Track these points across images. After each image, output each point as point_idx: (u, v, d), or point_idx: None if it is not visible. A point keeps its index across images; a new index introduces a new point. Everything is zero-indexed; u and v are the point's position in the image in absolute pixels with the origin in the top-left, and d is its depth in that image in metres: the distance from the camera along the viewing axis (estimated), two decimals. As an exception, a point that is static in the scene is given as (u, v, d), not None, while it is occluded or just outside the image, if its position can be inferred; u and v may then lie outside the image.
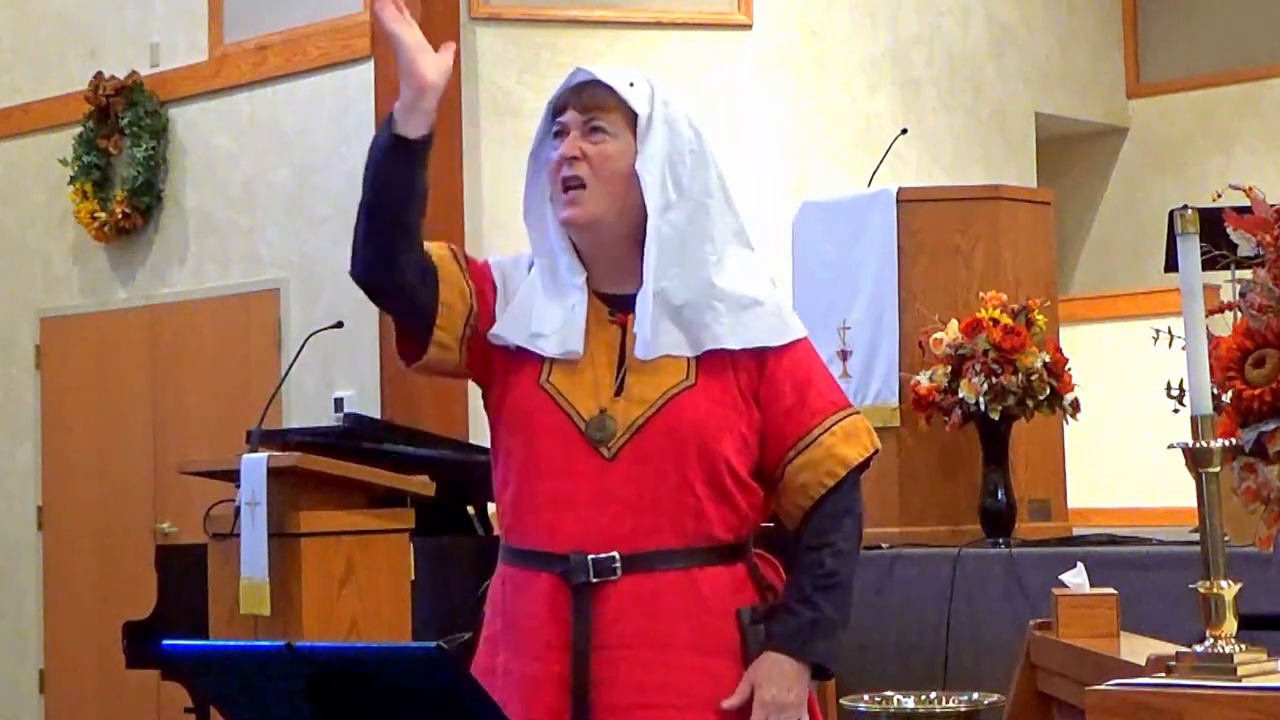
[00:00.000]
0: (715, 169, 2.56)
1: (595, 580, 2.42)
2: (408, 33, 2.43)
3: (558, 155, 2.51)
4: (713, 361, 2.48)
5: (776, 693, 2.44)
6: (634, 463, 2.44)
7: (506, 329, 2.53)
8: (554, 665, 2.43)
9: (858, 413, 2.58)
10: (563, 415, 2.47)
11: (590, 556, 2.42)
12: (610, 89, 2.51)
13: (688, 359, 2.48)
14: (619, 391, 2.47)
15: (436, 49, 2.49)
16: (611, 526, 2.43)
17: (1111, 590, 3.25)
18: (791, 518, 2.56)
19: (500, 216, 7.23)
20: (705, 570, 2.46)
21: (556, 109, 2.55)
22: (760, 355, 2.51)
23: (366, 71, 7.49)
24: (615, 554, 2.42)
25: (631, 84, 2.52)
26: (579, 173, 2.49)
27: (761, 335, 2.50)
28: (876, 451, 2.58)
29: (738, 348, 2.49)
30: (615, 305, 2.53)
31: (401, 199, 2.47)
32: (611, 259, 2.53)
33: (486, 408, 2.60)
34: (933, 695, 4.93)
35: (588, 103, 2.52)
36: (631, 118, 2.50)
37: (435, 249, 2.56)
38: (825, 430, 2.51)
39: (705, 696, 2.43)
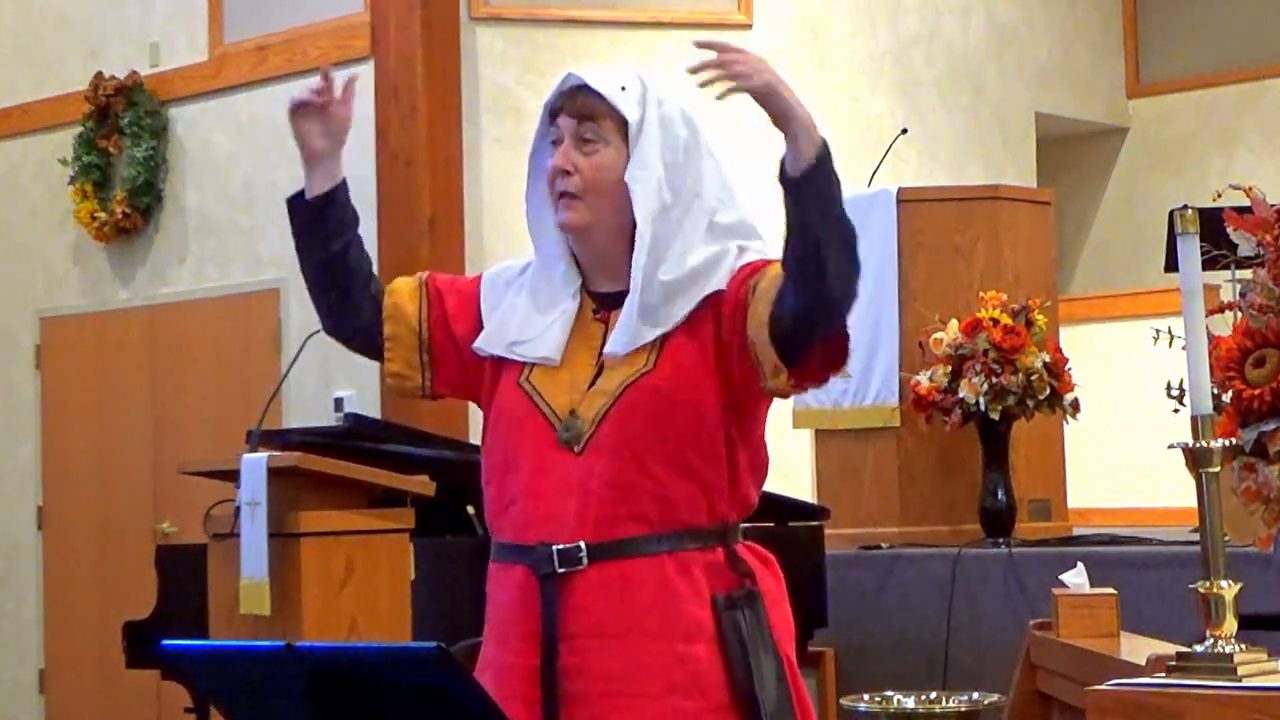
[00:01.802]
0: (712, 163, 2.55)
1: (562, 570, 2.42)
2: (306, 92, 2.70)
3: (552, 166, 2.52)
4: (673, 341, 2.47)
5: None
6: (598, 454, 2.44)
7: (487, 340, 2.58)
8: (526, 656, 2.44)
9: None
10: (538, 413, 2.50)
11: (555, 547, 2.43)
12: (601, 95, 2.50)
13: (649, 346, 2.47)
14: (590, 386, 2.49)
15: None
16: (578, 516, 2.43)
17: (1111, 590, 3.25)
18: (775, 365, 2.42)
19: (500, 216, 7.23)
20: (677, 556, 2.44)
21: (552, 113, 2.55)
22: (719, 295, 2.48)
23: (366, 71, 7.48)
24: (581, 543, 2.42)
25: (623, 87, 2.51)
26: (571, 187, 2.50)
27: (716, 283, 2.47)
28: None
29: (692, 307, 2.46)
30: (601, 303, 2.55)
31: (319, 255, 2.65)
32: (606, 260, 2.54)
33: (482, 410, 2.64)
34: (933, 695, 4.93)
35: (580, 110, 2.51)
36: (624, 123, 2.50)
37: (397, 283, 2.69)
38: (760, 276, 2.44)
39: (675, 683, 2.42)
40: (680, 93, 2.57)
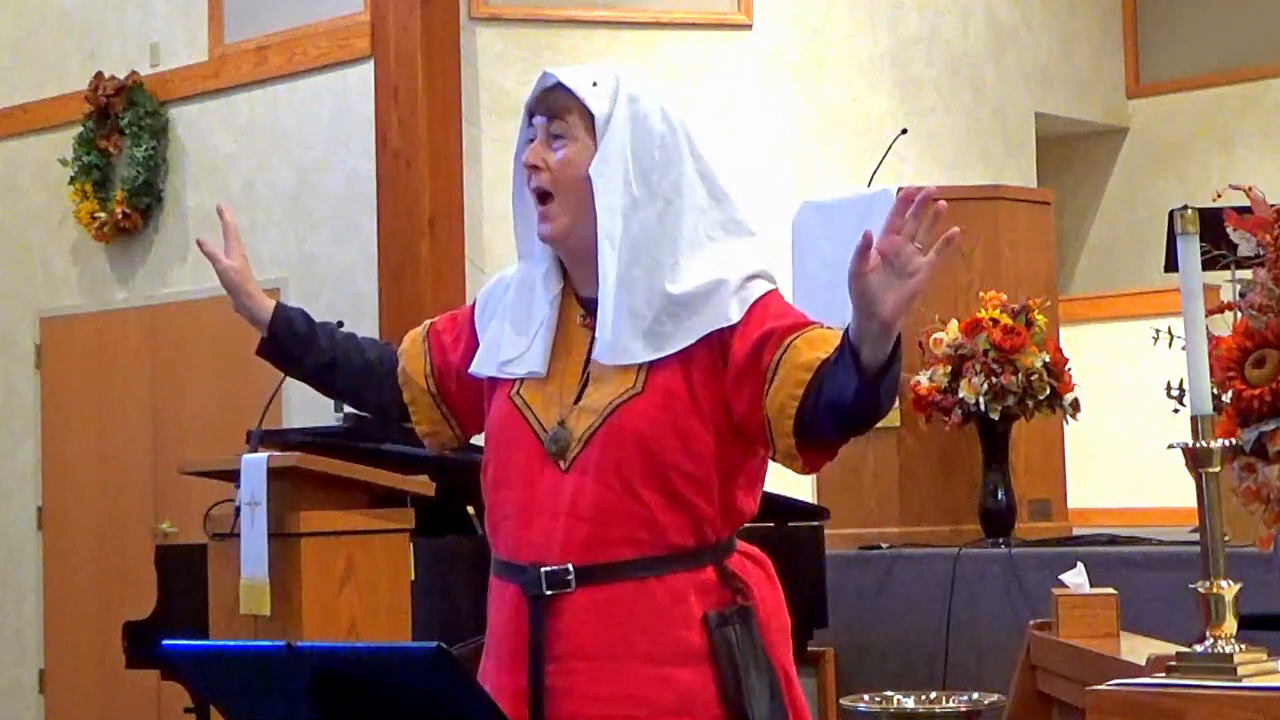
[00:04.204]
0: (694, 162, 2.51)
1: (550, 592, 2.41)
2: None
3: (523, 163, 2.52)
4: (663, 365, 2.44)
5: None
6: (584, 474, 2.42)
7: (480, 363, 2.59)
8: (515, 676, 2.43)
9: (819, 324, 2.45)
10: (527, 427, 2.48)
11: (544, 569, 2.41)
12: (571, 92, 2.48)
13: (637, 366, 2.44)
14: (578, 399, 2.46)
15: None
16: (566, 538, 2.41)
17: (1111, 590, 3.25)
18: (793, 449, 2.40)
19: (500, 216, 7.23)
20: (664, 579, 2.42)
21: (530, 112, 2.54)
22: (721, 329, 2.45)
23: (366, 71, 7.49)
24: (569, 565, 2.40)
25: (595, 83, 2.48)
26: (541, 183, 2.48)
27: (719, 318, 2.44)
28: None
29: (692, 340, 2.44)
30: (589, 309, 2.52)
31: (304, 373, 2.76)
32: (588, 261, 2.50)
33: None
34: (933, 695, 4.93)
35: (551, 107, 2.50)
36: (594, 119, 2.47)
37: (405, 343, 2.75)
38: (786, 349, 2.40)
39: (665, 706, 2.40)
40: (663, 93, 2.54)
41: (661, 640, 2.41)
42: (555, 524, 2.43)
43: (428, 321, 2.77)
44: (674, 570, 2.43)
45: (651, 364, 2.44)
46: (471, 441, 2.74)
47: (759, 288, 2.47)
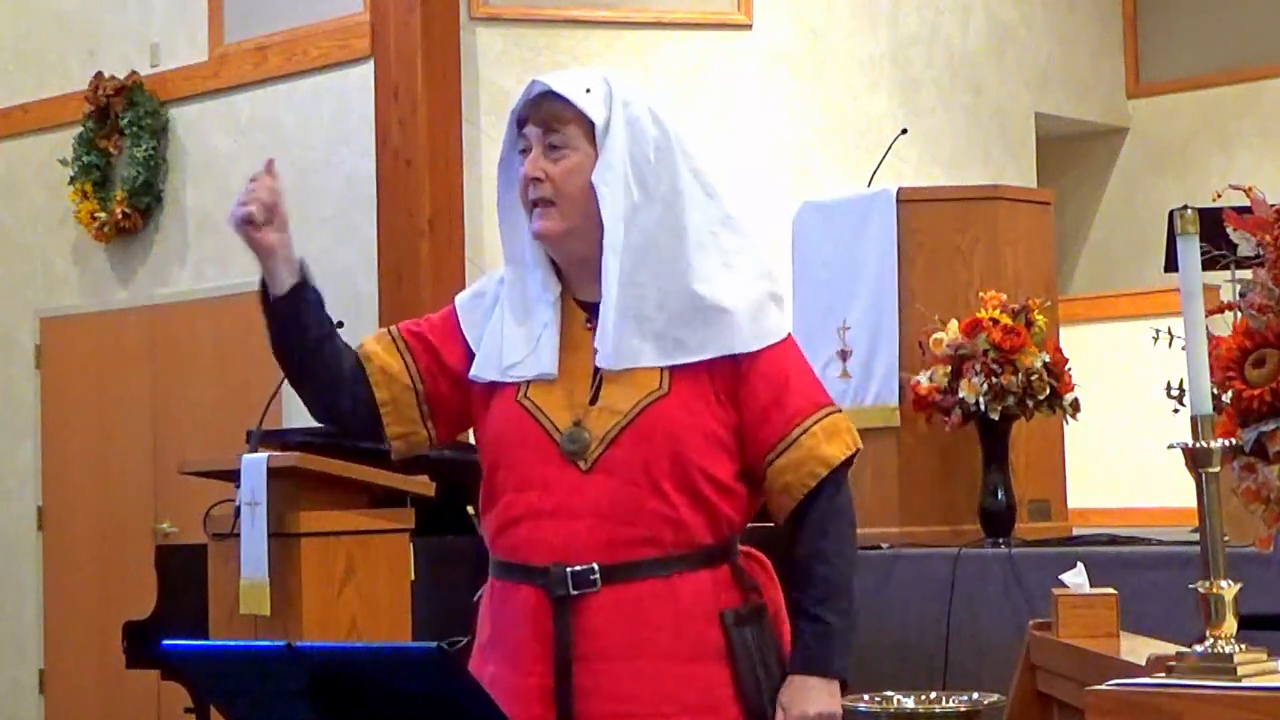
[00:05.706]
0: (686, 161, 2.51)
1: (575, 592, 2.41)
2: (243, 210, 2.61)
3: (522, 174, 2.50)
4: (687, 369, 2.46)
5: (806, 708, 2.49)
6: (609, 474, 2.43)
7: (481, 368, 2.56)
8: (538, 677, 2.43)
9: (839, 410, 2.57)
10: (539, 429, 2.47)
11: (569, 569, 2.41)
12: (566, 100, 2.48)
13: (661, 369, 2.46)
14: (593, 401, 2.47)
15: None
16: (589, 538, 2.42)
17: (1111, 590, 3.25)
18: (779, 518, 2.55)
19: (500, 216, 7.22)
20: (686, 576, 2.44)
21: (519, 121, 2.52)
22: (735, 358, 2.48)
23: (366, 71, 7.49)
24: (594, 565, 2.41)
25: (588, 90, 2.48)
26: (544, 194, 2.47)
27: (734, 344, 2.47)
28: (858, 450, 2.60)
29: (704, 358, 2.47)
30: (592, 312, 2.52)
31: (295, 349, 2.57)
32: (586, 266, 2.51)
33: (474, 432, 2.61)
34: (933, 695, 4.92)
35: (545, 116, 2.49)
36: (591, 126, 2.48)
37: (370, 348, 2.61)
38: (804, 431, 2.49)
39: (690, 703, 2.42)
40: (649, 94, 2.54)
41: (684, 638, 2.44)
42: (577, 524, 2.43)
43: (391, 326, 2.69)
44: (695, 569, 2.46)
45: (674, 368, 2.46)
46: (473, 443, 2.73)
47: (777, 326, 2.52)
